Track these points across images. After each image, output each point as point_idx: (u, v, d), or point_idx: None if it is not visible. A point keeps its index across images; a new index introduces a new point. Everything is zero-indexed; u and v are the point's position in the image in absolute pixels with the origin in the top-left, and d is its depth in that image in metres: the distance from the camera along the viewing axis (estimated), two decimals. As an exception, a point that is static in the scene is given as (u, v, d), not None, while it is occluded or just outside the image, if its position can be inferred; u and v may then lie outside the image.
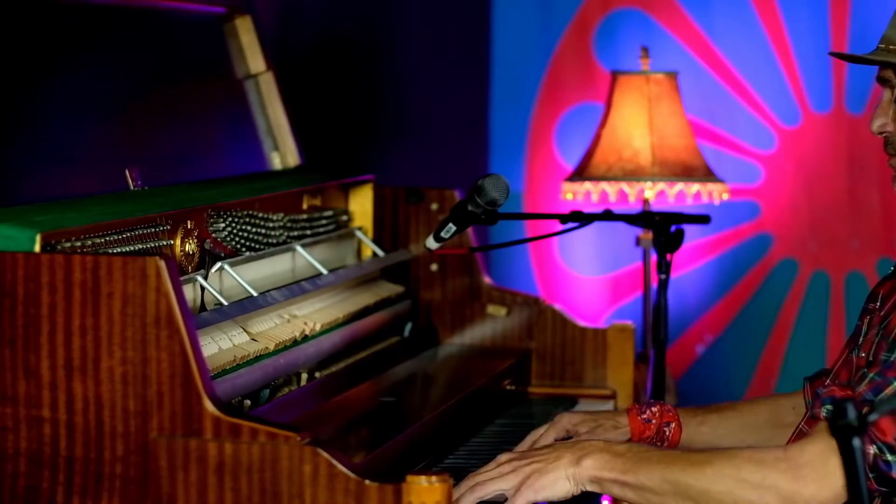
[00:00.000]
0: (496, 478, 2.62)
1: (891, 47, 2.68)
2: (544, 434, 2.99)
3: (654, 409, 2.95)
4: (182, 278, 2.68)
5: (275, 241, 3.31)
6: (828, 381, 2.71)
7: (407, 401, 3.33)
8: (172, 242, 2.90)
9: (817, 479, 2.40)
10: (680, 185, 5.00)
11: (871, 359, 2.61)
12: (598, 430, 2.95)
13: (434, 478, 2.35)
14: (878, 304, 2.69)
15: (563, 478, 2.58)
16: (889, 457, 2.41)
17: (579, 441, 2.67)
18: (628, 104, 5.08)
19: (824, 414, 2.47)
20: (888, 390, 2.43)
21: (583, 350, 3.84)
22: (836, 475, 2.37)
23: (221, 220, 3.11)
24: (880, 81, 2.73)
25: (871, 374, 2.48)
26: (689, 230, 3.76)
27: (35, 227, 2.52)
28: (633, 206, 5.05)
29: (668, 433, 2.93)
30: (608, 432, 2.95)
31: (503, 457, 2.68)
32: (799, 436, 2.67)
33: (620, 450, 2.58)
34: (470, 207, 3.27)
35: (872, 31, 2.95)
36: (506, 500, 2.61)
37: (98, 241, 2.67)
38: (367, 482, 2.36)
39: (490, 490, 2.62)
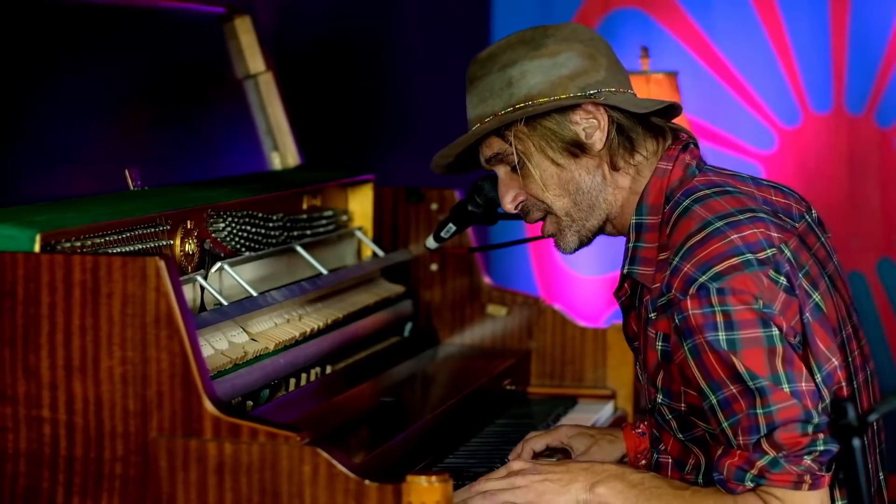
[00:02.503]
0: (507, 489, 2.62)
1: (485, 121, 2.67)
2: (538, 438, 2.97)
3: (647, 422, 2.95)
4: (182, 278, 2.68)
5: (275, 241, 3.31)
6: (658, 442, 2.74)
7: (407, 401, 3.33)
8: (172, 242, 2.90)
9: None
10: (680, 185, 5.00)
11: (649, 406, 2.68)
12: (593, 448, 2.94)
13: (434, 478, 2.35)
14: (638, 343, 2.72)
15: (573, 502, 2.59)
16: (819, 447, 2.45)
17: (594, 464, 2.66)
18: (628, 104, 5.07)
19: (751, 484, 2.48)
20: (761, 420, 2.45)
21: (583, 350, 3.84)
22: None
23: (221, 220, 3.11)
24: (489, 162, 2.73)
25: (725, 424, 2.49)
26: (689, 230, 3.76)
27: (35, 227, 2.52)
28: (633, 206, 5.05)
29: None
30: (604, 448, 2.94)
31: (515, 465, 2.68)
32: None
33: (634, 480, 2.59)
34: (470, 207, 3.27)
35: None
36: None
37: (98, 241, 2.67)
38: (367, 482, 2.37)
39: (499, 501, 2.62)
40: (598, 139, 2.64)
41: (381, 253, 3.71)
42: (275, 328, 3.12)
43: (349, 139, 5.40)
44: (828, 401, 2.50)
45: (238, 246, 3.16)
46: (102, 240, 2.69)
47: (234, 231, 3.14)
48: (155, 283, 2.42)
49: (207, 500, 2.41)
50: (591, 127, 2.64)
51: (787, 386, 2.45)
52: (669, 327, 2.55)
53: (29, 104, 2.98)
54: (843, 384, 2.57)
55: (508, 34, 2.73)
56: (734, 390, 2.46)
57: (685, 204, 2.58)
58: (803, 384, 2.46)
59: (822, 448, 2.45)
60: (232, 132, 3.69)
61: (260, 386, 2.96)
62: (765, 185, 2.68)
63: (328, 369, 3.29)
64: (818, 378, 2.52)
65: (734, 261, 2.48)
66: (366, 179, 3.75)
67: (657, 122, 2.69)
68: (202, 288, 2.95)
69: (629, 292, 2.72)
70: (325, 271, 3.38)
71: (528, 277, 5.70)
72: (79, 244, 2.62)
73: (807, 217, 2.68)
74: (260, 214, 3.26)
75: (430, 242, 3.35)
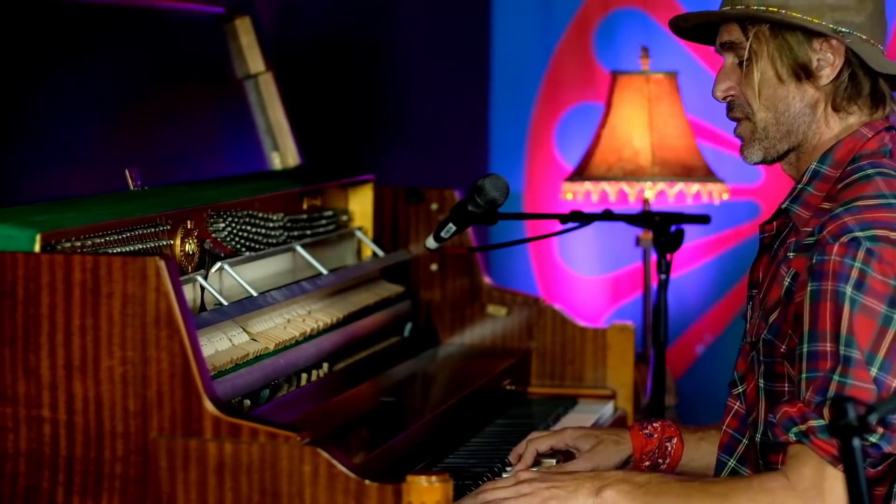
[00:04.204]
0: (513, 498, 2.62)
1: (738, 7, 2.70)
2: (543, 439, 2.96)
3: (655, 424, 2.95)
4: (182, 278, 2.68)
5: (275, 241, 3.31)
6: (737, 384, 2.75)
7: (407, 401, 3.33)
8: (172, 242, 2.90)
9: (822, 499, 2.47)
10: (680, 185, 5.00)
11: (753, 339, 2.69)
12: (598, 447, 2.93)
13: (434, 478, 2.35)
14: (758, 289, 2.74)
15: None
16: (872, 438, 2.44)
17: (600, 471, 2.67)
18: (628, 104, 5.08)
19: (794, 438, 2.48)
20: (832, 386, 2.45)
21: (583, 350, 3.84)
22: (834, 491, 2.46)
23: (221, 220, 3.11)
24: (723, 47, 2.75)
25: (804, 375, 2.50)
26: (689, 230, 3.76)
27: (35, 227, 2.52)
28: (633, 206, 5.05)
29: (670, 448, 2.92)
30: (609, 448, 2.93)
31: (523, 475, 2.68)
32: (764, 449, 2.67)
33: (640, 480, 2.60)
34: (470, 207, 3.27)
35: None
36: None
37: (98, 241, 2.67)
38: (367, 482, 2.37)
39: None
40: (825, 75, 2.67)
41: (381, 253, 3.72)
42: (275, 328, 3.12)
43: (349, 139, 5.40)
44: None
45: (238, 246, 3.16)
46: (102, 240, 2.69)
47: (234, 231, 3.15)
48: (155, 283, 2.42)
49: (207, 500, 2.41)
50: (825, 61, 2.67)
51: (875, 370, 2.46)
52: (804, 266, 2.56)
53: (29, 104, 2.98)
54: None
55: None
56: (828, 348, 2.48)
57: (868, 172, 2.62)
58: (893, 379, 2.46)
59: (874, 440, 2.44)
60: (232, 132, 3.69)
61: (260, 386, 2.96)
62: None
63: (328, 369, 3.29)
64: None
65: (894, 235, 2.51)
66: (366, 179, 3.75)
67: (884, 91, 2.71)
68: (202, 288, 2.95)
69: (775, 231, 2.74)
70: (325, 271, 3.38)
71: (528, 277, 5.71)
72: (79, 244, 2.61)
73: None
74: (260, 214, 3.26)
75: (430, 242, 3.35)
